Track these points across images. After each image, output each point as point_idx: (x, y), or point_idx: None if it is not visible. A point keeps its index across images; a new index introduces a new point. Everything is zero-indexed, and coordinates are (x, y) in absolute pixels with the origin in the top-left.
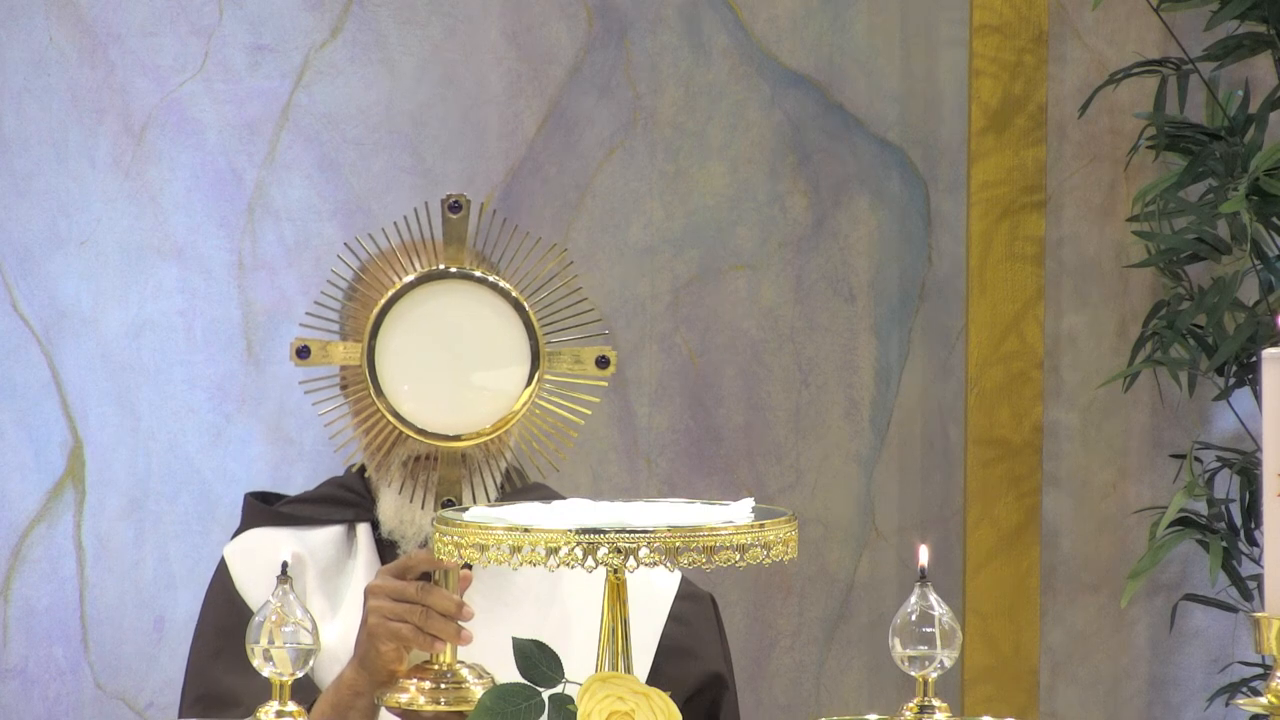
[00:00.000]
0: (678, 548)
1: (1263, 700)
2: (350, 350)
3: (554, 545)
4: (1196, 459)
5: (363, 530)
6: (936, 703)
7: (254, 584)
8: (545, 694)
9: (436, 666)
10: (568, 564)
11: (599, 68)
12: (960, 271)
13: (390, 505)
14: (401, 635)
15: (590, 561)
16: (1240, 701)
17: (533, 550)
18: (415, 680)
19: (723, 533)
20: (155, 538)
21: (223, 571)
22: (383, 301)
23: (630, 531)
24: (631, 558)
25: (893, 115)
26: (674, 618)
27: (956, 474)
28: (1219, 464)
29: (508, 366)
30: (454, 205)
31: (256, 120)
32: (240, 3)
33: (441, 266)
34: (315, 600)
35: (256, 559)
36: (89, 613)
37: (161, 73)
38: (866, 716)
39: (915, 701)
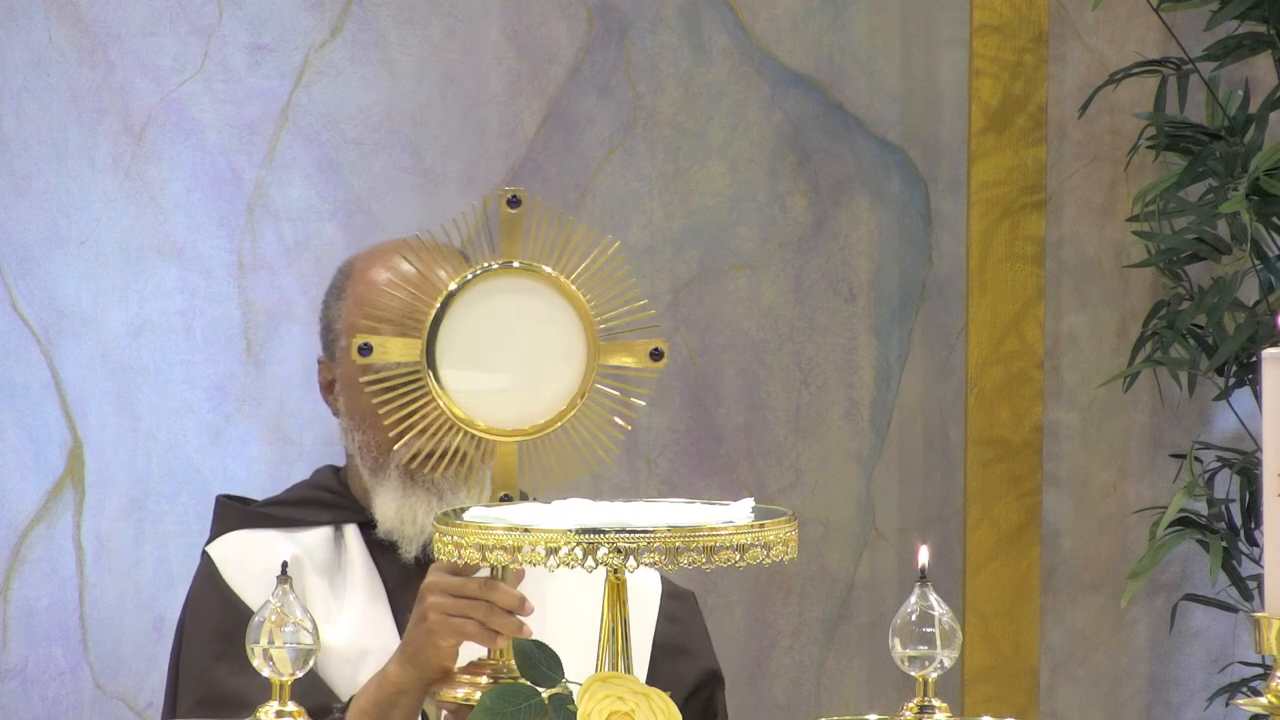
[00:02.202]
0: (678, 548)
1: (1263, 700)
2: (410, 347)
3: (554, 545)
4: (1196, 459)
5: (351, 531)
6: (936, 703)
7: (250, 585)
8: (545, 694)
9: (492, 662)
10: (568, 564)
11: (599, 68)
12: (960, 271)
13: (391, 506)
14: (466, 631)
15: (590, 562)
16: (1240, 701)
17: (533, 550)
18: (469, 676)
19: (723, 533)
20: (155, 538)
21: (211, 573)
22: (442, 297)
23: (630, 532)
24: (632, 558)
25: (893, 115)
26: (666, 616)
27: (956, 474)
28: (1219, 464)
29: (563, 360)
30: (512, 200)
31: (256, 120)
32: (240, 3)
33: (498, 263)
34: (316, 601)
35: (249, 560)
36: (88, 613)
37: (161, 73)
38: (866, 716)
39: (915, 701)
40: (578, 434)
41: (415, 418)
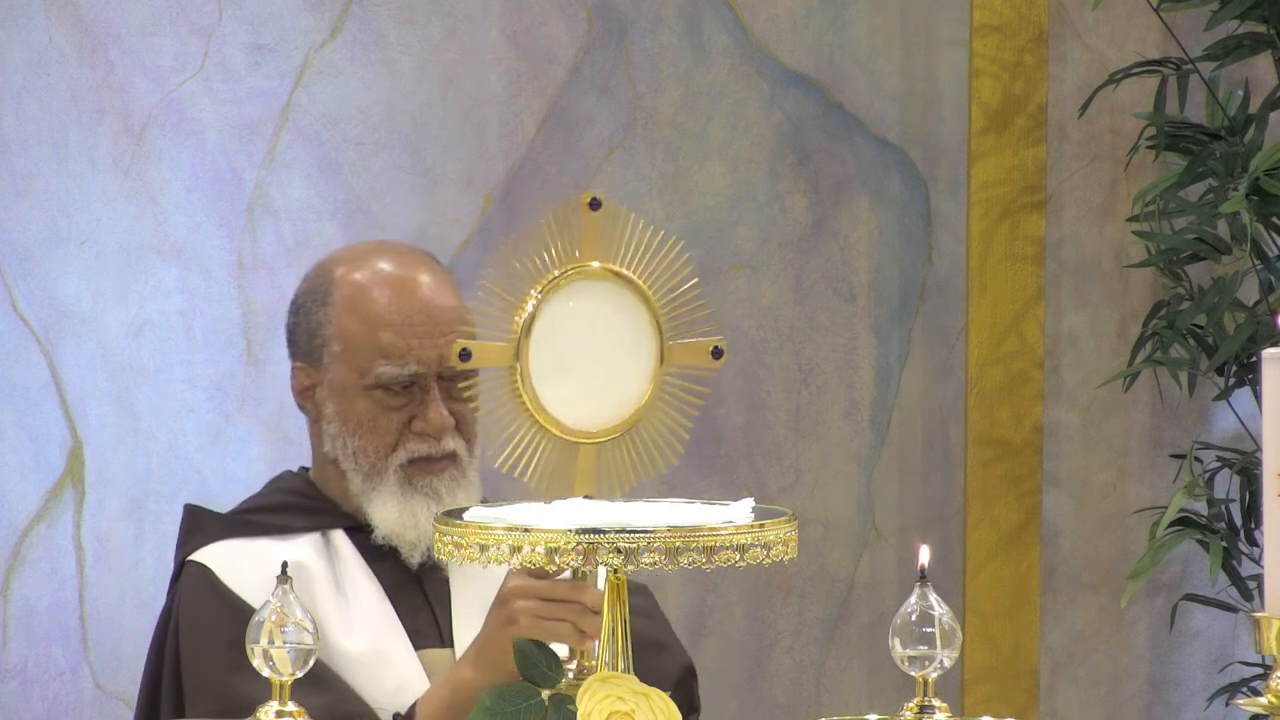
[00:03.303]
0: (678, 548)
1: (1263, 700)
2: (502, 352)
3: (554, 545)
4: (1196, 459)
5: (339, 536)
6: (936, 703)
7: (255, 592)
8: (545, 694)
9: (584, 663)
10: (568, 564)
11: (599, 68)
12: (960, 271)
13: (391, 511)
14: (560, 634)
15: (590, 562)
16: (1240, 701)
17: (533, 550)
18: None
19: (723, 533)
20: (155, 538)
21: (210, 582)
22: (533, 301)
23: (630, 531)
24: (632, 558)
25: (893, 115)
26: (635, 612)
27: (956, 474)
28: (1219, 464)
29: (636, 361)
30: (594, 202)
31: (256, 120)
32: (240, 3)
33: (584, 265)
34: (326, 607)
35: (247, 567)
36: (89, 613)
37: (161, 73)
38: (866, 716)
39: (915, 701)
40: (646, 434)
41: (504, 423)
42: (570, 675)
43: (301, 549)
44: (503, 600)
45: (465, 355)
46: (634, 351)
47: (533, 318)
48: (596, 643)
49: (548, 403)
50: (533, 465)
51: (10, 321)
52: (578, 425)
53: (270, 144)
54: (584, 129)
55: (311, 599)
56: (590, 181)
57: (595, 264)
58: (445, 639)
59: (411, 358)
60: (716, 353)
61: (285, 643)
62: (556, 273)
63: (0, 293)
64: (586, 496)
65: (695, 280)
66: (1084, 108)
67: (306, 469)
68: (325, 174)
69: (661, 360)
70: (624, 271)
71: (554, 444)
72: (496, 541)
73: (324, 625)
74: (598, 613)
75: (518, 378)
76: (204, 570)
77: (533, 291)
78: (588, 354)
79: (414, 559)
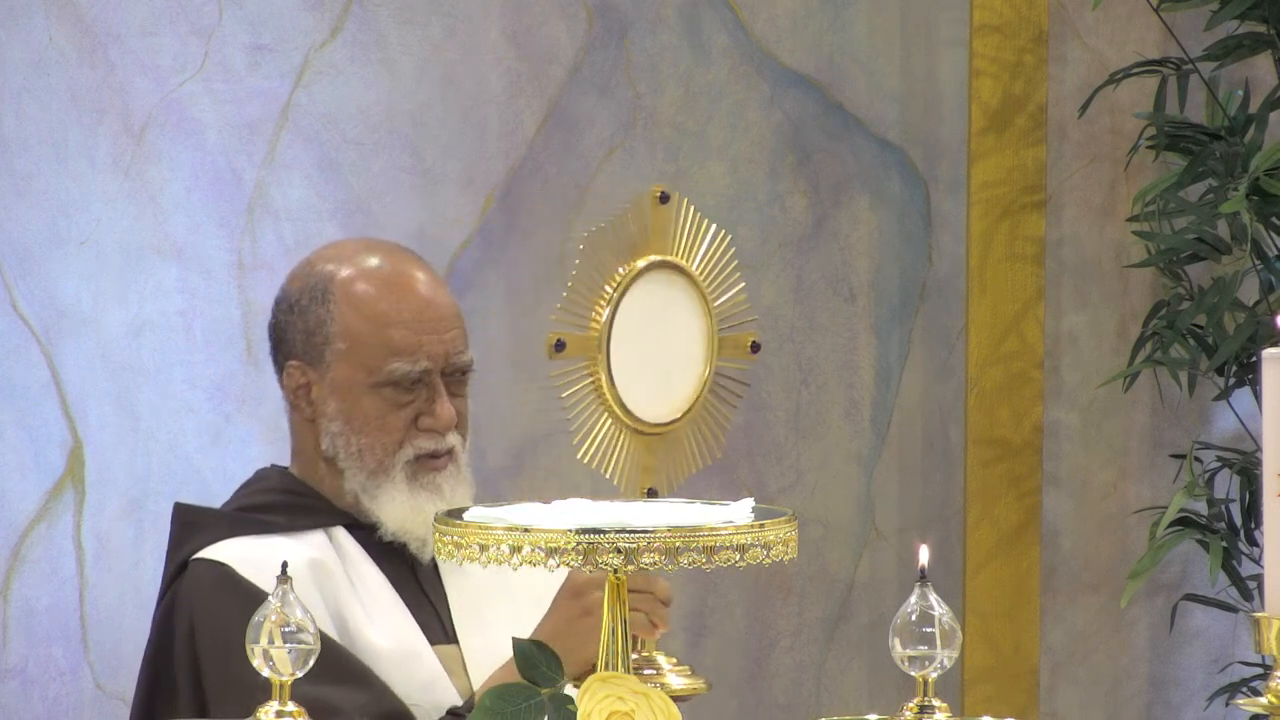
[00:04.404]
0: (678, 548)
1: (1263, 700)
2: (589, 343)
3: (554, 545)
4: (1196, 459)
5: (341, 534)
6: (936, 703)
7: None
8: (545, 694)
9: (645, 653)
10: (568, 564)
11: (599, 68)
12: (960, 271)
13: (400, 508)
14: (636, 624)
15: (590, 562)
16: (1240, 701)
17: (533, 550)
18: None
19: (723, 533)
20: (155, 538)
21: (231, 580)
22: (615, 295)
23: (630, 532)
24: (632, 558)
25: (893, 115)
26: None
27: (956, 474)
28: (1219, 464)
29: (694, 353)
30: (663, 196)
31: (256, 120)
32: (240, 3)
33: (654, 259)
34: (351, 604)
35: (266, 565)
36: (89, 613)
37: (161, 73)
38: (866, 716)
39: (915, 701)
40: (696, 427)
41: (584, 415)
42: (648, 670)
43: (316, 546)
44: (577, 591)
45: (560, 346)
46: (691, 345)
47: (614, 310)
48: (660, 633)
49: (624, 395)
50: (611, 458)
51: (10, 321)
52: (644, 416)
53: (270, 144)
54: (584, 129)
55: (335, 596)
56: (590, 182)
57: (664, 258)
58: (450, 634)
59: (422, 354)
60: (755, 347)
61: (285, 643)
62: (640, 264)
63: (0, 293)
64: (650, 490)
65: (740, 274)
66: (1084, 108)
67: (284, 467)
68: (325, 174)
69: (714, 354)
70: (683, 264)
71: (628, 436)
72: (496, 541)
73: (351, 622)
74: (667, 604)
75: (600, 370)
76: (221, 568)
77: (607, 287)
78: (651, 347)
79: (425, 554)
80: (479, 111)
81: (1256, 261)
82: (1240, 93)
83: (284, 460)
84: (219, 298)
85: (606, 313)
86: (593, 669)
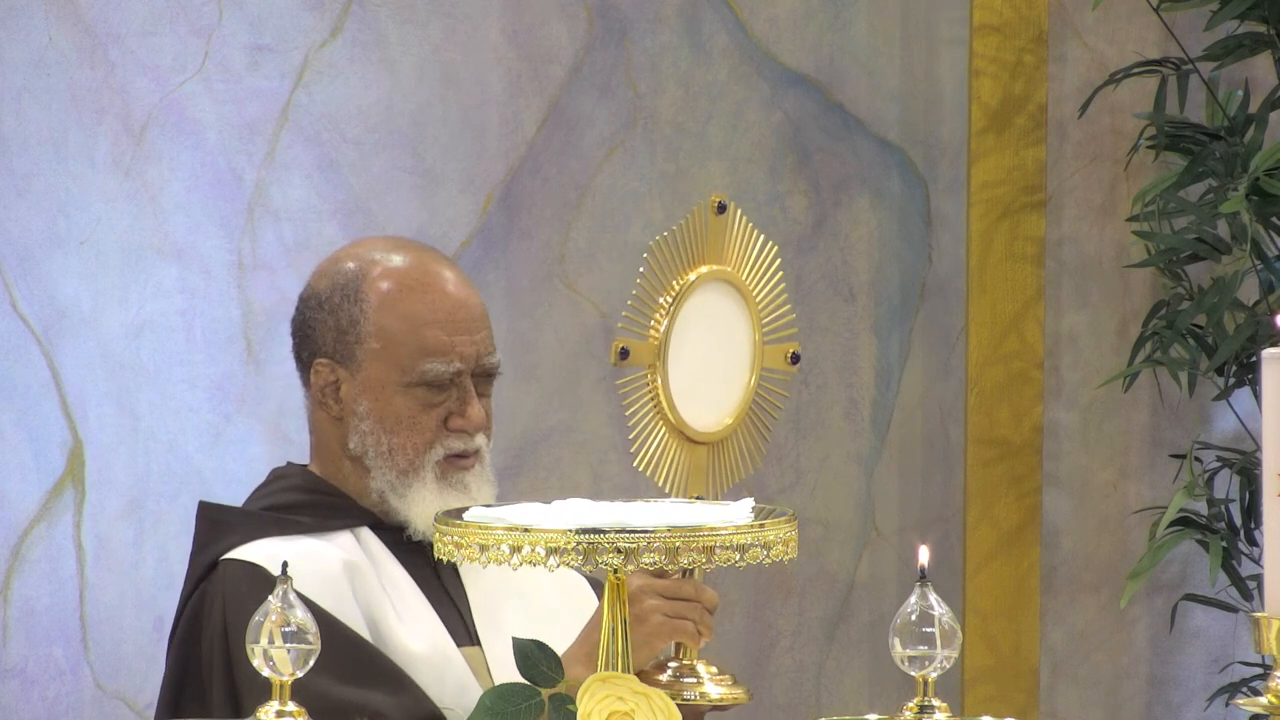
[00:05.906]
0: (678, 548)
1: (1263, 700)
2: (650, 351)
3: (554, 545)
4: (1196, 459)
5: (367, 534)
6: (936, 703)
7: (320, 592)
8: (545, 694)
9: (687, 661)
10: (568, 564)
11: (599, 68)
12: (960, 271)
13: (431, 506)
14: (687, 632)
15: (590, 562)
16: (1240, 701)
17: (533, 550)
18: (665, 675)
19: (723, 533)
20: (155, 538)
21: (266, 580)
22: (674, 304)
23: (631, 532)
24: (632, 558)
25: (893, 115)
26: None
27: (956, 474)
28: (1219, 464)
29: (740, 363)
30: (720, 207)
31: (256, 120)
32: (240, 3)
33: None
34: (384, 606)
35: (305, 566)
36: (89, 613)
37: (161, 73)
38: (866, 716)
39: (915, 701)
40: (739, 435)
41: (642, 423)
42: (671, 672)
43: (345, 548)
44: (630, 598)
45: (625, 354)
46: (739, 355)
47: (672, 319)
48: (704, 641)
49: (679, 403)
50: (664, 466)
51: (10, 321)
52: (695, 425)
53: (270, 144)
54: (584, 129)
55: (368, 598)
56: (590, 182)
57: (718, 267)
58: (472, 636)
59: (455, 355)
60: (794, 358)
61: (285, 643)
62: (692, 276)
63: (0, 293)
64: (698, 497)
65: (783, 286)
66: (1084, 108)
67: (304, 466)
68: (325, 174)
69: (759, 363)
70: (736, 276)
71: (680, 444)
72: (496, 541)
73: (383, 625)
74: (713, 612)
75: (657, 378)
76: (254, 568)
77: (662, 298)
78: (702, 356)
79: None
80: (479, 111)
81: (1256, 261)
82: (1240, 93)
83: (284, 460)
84: (219, 298)
85: (665, 322)
86: (640, 674)
